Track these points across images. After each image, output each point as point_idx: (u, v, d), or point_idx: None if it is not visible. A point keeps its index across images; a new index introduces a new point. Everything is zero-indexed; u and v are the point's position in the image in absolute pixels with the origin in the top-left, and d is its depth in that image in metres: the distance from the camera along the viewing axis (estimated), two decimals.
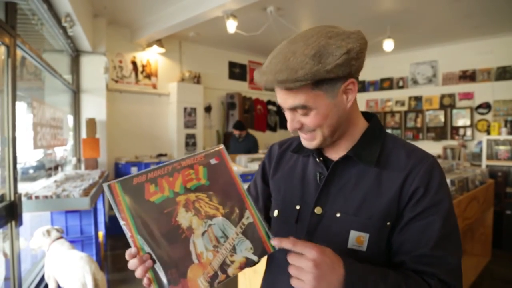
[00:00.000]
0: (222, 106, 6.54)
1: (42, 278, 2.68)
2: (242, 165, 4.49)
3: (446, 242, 0.71)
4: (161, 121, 5.74)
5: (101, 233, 3.65)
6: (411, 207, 0.73)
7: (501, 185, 4.10)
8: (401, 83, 6.57)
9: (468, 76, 5.85)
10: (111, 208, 4.82)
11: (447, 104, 5.97)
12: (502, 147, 4.30)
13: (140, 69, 5.46)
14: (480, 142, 5.26)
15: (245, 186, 1.02)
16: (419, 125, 6.25)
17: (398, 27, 5.03)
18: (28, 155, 3.23)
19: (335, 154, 0.82)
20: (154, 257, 0.66)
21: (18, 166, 2.25)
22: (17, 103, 2.19)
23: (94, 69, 4.57)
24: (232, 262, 0.69)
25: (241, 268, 0.70)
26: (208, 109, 6.28)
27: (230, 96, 6.41)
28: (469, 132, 5.73)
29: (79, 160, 4.54)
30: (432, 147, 5.77)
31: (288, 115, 0.76)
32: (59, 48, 4.06)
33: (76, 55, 4.51)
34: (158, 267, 0.66)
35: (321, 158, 0.82)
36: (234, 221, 0.72)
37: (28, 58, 2.80)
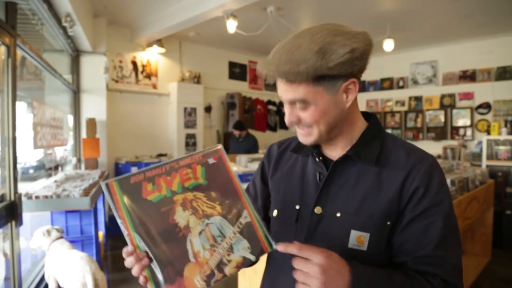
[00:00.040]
0: (222, 106, 6.54)
1: (42, 278, 2.68)
2: (242, 165, 4.49)
3: (447, 242, 0.72)
4: (161, 121, 5.74)
5: (101, 233, 3.66)
6: (412, 207, 0.73)
7: (501, 185, 4.10)
8: (401, 83, 6.57)
9: (468, 76, 5.85)
10: (111, 208, 4.76)
11: (447, 104, 5.97)
12: (502, 147, 4.30)
13: (140, 69, 5.46)
14: (480, 142, 5.26)
15: (245, 186, 1.02)
16: (419, 125, 6.25)
17: (398, 27, 5.03)
18: (28, 155, 3.23)
19: (334, 153, 0.82)
20: (150, 255, 0.66)
21: (18, 166, 2.26)
22: (17, 103, 2.19)
23: (94, 69, 4.57)
24: (229, 261, 0.69)
25: (238, 267, 0.70)
26: (208, 109, 6.28)
27: (230, 96, 6.41)
28: (469, 132, 5.73)
29: (79, 160, 4.54)
30: (432, 147, 5.77)
31: (286, 108, 0.77)
32: (59, 48, 4.06)
33: (76, 55, 4.52)
34: (154, 265, 0.66)
35: (320, 158, 0.82)
36: (232, 221, 0.72)
37: (28, 58, 2.80)
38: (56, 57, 4.06)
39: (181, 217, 0.70)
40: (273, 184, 0.91)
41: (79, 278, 2.17)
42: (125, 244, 0.67)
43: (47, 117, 2.90)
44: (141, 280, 0.66)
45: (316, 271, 0.61)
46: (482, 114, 5.66)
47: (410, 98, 6.39)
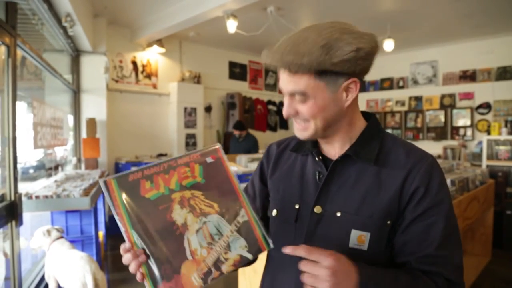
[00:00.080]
0: (222, 106, 6.54)
1: (42, 278, 2.68)
2: (242, 165, 4.48)
3: (449, 241, 0.72)
4: (161, 121, 5.74)
5: (101, 233, 3.66)
6: (413, 207, 0.73)
7: (501, 185, 4.10)
8: (401, 83, 6.57)
9: (469, 76, 5.85)
10: (109, 205, 4.76)
11: (448, 104, 5.97)
12: (502, 147, 4.30)
13: (140, 69, 5.46)
14: (480, 142, 5.26)
15: (244, 186, 1.02)
16: (419, 125, 6.25)
17: (398, 27, 5.03)
18: (29, 155, 3.23)
19: (333, 152, 0.82)
20: (148, 252, 0.66)
21: (19, 166, 2.26)
22: (18, 103, 2.19)
23: (94, 69, 4.57)
24: (226, 259, 0.70)
25: (235, 265, 0.71)
26: (208, 109, 6.28)
27: (230, 96, 6.41)
28: (469, 132, 5.73)
29: (79, 160, 4.54)
30: (433, 147, 5.76)
31: (286, 100, 0.77)
32: (59, 48, 4.06)
33: (76, 55, 4.52)
34: (151, 262, 0.66)
35: (320, 157, 0.82)
36: (229, 219, 0.73)
37: (29, 58, 2.80)
38: (56, 57, 4.06)
39: (179, 215, 0.70)
40: (272, 184, 0.91)
41: (79, 278, 2.17)
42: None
43: (47, 117, 2.90)
44: (138, 277, 0.66)
45: (325, 274, 0.61)
46: (482, 114, 5.66)
47: (410, 98, 6.39)
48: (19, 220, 2.17)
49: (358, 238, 0.74)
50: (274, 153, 0.94)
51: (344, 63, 0.69)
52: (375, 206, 0.74)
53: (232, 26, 4.13)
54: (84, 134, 4.48)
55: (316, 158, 0.82)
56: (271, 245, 0.73)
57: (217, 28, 4.94)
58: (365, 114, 0.85)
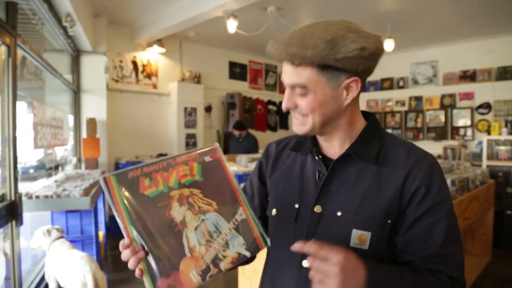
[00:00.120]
0: (223, 106, 6.54)
1: (43, 278, 2.68)
2: (242, 165, 4.49)
3: (451, 240, 0.73)
4: (162, 121, 5.74)
5: (101, 233, 3.66)
6: (414, 207, 0.73)
7: (501, 185, 4.10)
8: (401, 83, 6.57)
9: (469, 76, 5.85)
10: (108, 202, 4.76)
11: (448, 104, 5.97)
12: (502, 147, 4.30)
13: (140, 69, 5.46)
14: (480, 142, 5.26)
15: (243, 185, 1.03)
16: (419, 125, 6.25)
17: (398, 27, 5.03)
18: (29, 154, 3.23)
19: (333, 151, 0.82)
20: (146, 248, 0.67)
21: (19, 166, 2.26)
22: (18, 103, 2.19)
23: (94, 69, 4.58)
24: (225, 256, 0.71)
25: (234, 263, 0.71)
26: (208, 109, 6.28)
27: (231, 96, 6.41)
28: (469, 132, 5.73)
29: (79, 160, 4.54)
30: (433, 147, 5.76)
31: (286, 93, 0.77)
32: (59, 48, 4.06)
33: (76, 54, 4.52)
34: (150, 258, 0.66)
35: (320, 156, 0.82)
36: (227, 217, 0.74)
37: (29, 58, 2.80)
38: (57, 57, 4.06)
39: (178, 212, 0.71)
40: (271, 183, 0.91)
41: (79, 278, 2.17)
42: None
43: (47, 117, 2.90)
44: (137, 273, 0.66)
45: (335, 270, 0.61)
46: (482, 114, 5.66)
47: (410, 98, 6.39)
48: (19, 220, 2.17)
49: (359, 237, 0.74)
50: (273, 152, 0.94)
51: (348, 60, 0.69)
52: (375, 205, 0.74)
53: (232, 26, 4.13)
54: (84, 134, 4.48)
55: (316, 157, 0.82)
56: (269, 243, 0.74)
57: (217, 28, 4.94)
58: (364, 114, 0.85)
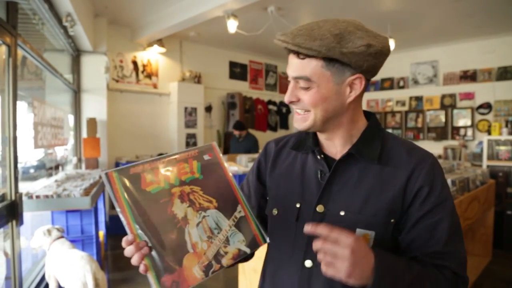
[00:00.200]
0: (223, 106, 6.54)
1: (43, 278, 2.68)
2: (242, 165, 4.49)
3: (454, 238, 0.74)
4: (162, 120, 5.74)
5: (101, 233, 3.66)
6: (418, 206, 0.74)
7: (502, 185, 4.09)
8: (401, 83, 6.57)
9: (469, 76, 5.85)
10: (112, 207, 4.82)
11: (448, 104, 5.97)
12: (503, 147, 4.29)
13: (140, 68, 5.46)
14: (481, 142, 5.25)
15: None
16: (419, 125, 6.25)
17: (398, 27, 5.03)
18: (29, 154, 3.23)
19: (334, 150, 0.82)
20: (150, 244, 0.67)
21: (19, 166, 2.26)
22: (18, 103, 2.19)
23: (94, 68, 4.58)
24: (226, 253, 0.72)
25: (234, 259, 0.73)
26: (208, 108, 6.28)
27: (231, 96, 6.41)
28: (469, 132, 5.73)
29: (79, 160, 4.54)
30: (433, 147, 5.76)
31: (290, 86, 0.77)
32: (60, 48, 4.06)
33: (77, 54, 4.52)
34: (154, 254, 0.67)
35: (322, 156, 0.82)
36: (227, 214, 0.75)
37: (29, 58, 2.81)
38: (57, 57, 4.06)
39: (179, 208, 0.71)
40: (271, 182, 0.90)
41: (79, 277, 2.17)
42: None
43: (47, 116, 2.90)
44: (142, 268, 0.66)
45: (346, 252, 0.62)
46: (482, 114, 5.66)
47: (410, 98, 6.39)
48: (19, 220, 2.17)
49: (363, 237, 0.74)
50: (273, 150, 0.93)
51: (354, 55, 0.70)
52: (378, 205, 0.74)
53: (232, 26, 4.13)
54: (84, 134, 4.48)
55: (318, 157, 0.82)
56: (267, 240, 0.76)
57: (217, 28, 4.94)
58: (365, 114, 0.85)
